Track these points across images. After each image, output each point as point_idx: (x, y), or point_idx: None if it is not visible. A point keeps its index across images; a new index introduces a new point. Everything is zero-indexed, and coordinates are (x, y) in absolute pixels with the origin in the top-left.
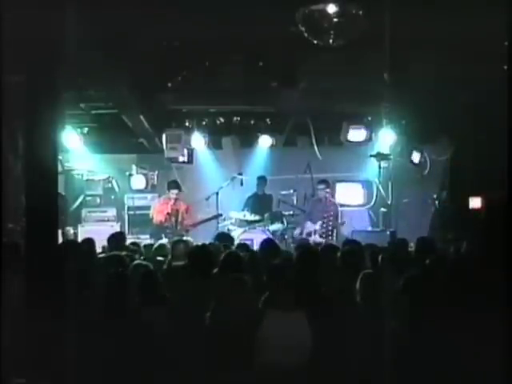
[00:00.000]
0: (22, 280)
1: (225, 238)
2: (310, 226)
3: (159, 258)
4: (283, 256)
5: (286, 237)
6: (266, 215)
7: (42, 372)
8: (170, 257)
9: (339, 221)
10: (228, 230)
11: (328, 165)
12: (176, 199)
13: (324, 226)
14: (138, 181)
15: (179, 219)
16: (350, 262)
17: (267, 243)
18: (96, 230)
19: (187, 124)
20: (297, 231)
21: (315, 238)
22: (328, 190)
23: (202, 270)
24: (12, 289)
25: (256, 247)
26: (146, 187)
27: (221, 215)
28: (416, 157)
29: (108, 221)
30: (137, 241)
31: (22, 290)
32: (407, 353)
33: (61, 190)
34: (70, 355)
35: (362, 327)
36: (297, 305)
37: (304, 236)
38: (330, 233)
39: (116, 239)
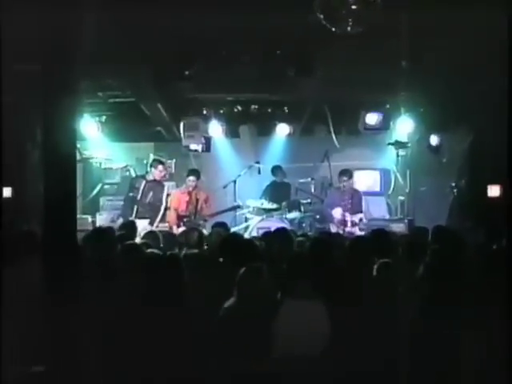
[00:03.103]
0: (41, 268)
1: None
2: (330, 215)
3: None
4: (300, 244)
5: (303, 225)
6: (283, 203)
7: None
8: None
9: (363, 208)
10: (245, 218)
11: (346, 153)
12: (195, 188)
13: (347, 214)
14: None
15: (198, 208)
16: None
17: (283, 232)
18: (113, 217)
19: (205, 112)
20: (315, 219)
21: (337, 227)
22: (351, 181)
23: (228, 259)
24: (32, 276)
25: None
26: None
27: (239, 207)
28: (434, 144)
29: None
30: (154, 229)
31: (41, 276)
32: (425, 343)
33: (79, 178)
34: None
35: (380, 318)
36: (314, 294)
37: (323, 225)
38: (353, 221)
39: (126, 229)
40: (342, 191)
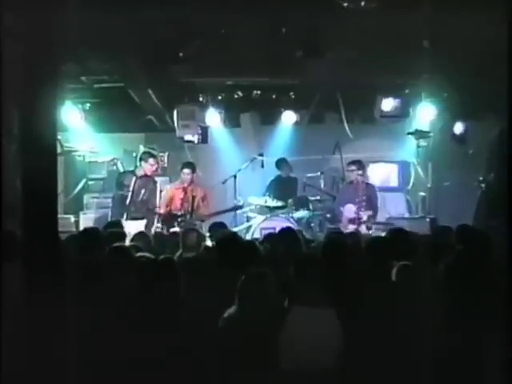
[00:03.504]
0: (18, 274)
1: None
2: (342, 213)
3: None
4: (309, 247)
5: (312, 225)
6: (289, 201)
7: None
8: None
9: (378, 205)
10: (247, 217)
11: (360, 144)
12: (191, 183)
13: (360, 211)
14: None
15: (194, 207)
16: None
17: (289, 232)
18: (99, 217)
19: (201, 99)
20: (325, 218)
21: (349, 226)
22: (360, 172)
23: (226, 263)
24: (9, 284)
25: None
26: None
27: (241, 207)
28: (459, 134)
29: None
30: (144, 230)
31: (18, 284)
32: (452, 353)
33: (60, 173)
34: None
35: (397, 326)
36: (324, 301)
37: (334, 225)
38: (368, 219)
39: (112, 230)
40: (354, 186)
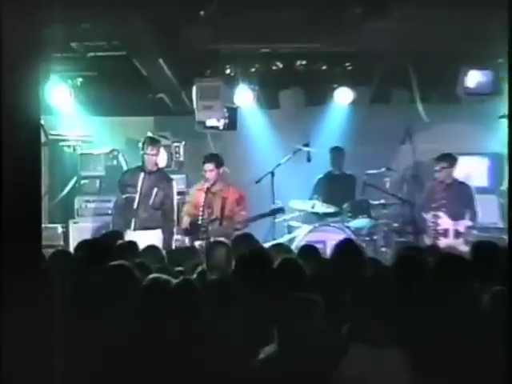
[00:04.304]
0: None
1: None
2: (426, 222)
3: (179, 269)
4: (371, 267)
5: (375, 237)
6: (345, 206)
7: None
8: (203, 266)
9: (478, 211)
10: (288, 227)
11: (437, 130)
12: (216, 181)
13: (454, 220)
14: None
15: (226, 212)
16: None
17: (346, 247)
18: (95, 227)
19: (228, 72)
20: (392, 229)
21: (440, 240)
22: (452, 169)
23: (257, 287)
24: None
25: (329, 253)
26: (168, 165)
27: (282, 209)
28: None
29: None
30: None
31: None
32: None
33: (44, 169)
34: None
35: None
36: (392, 339)
37: (405, 237)
38: (465, 231)
39: (110, 243)
40: (444, 187)
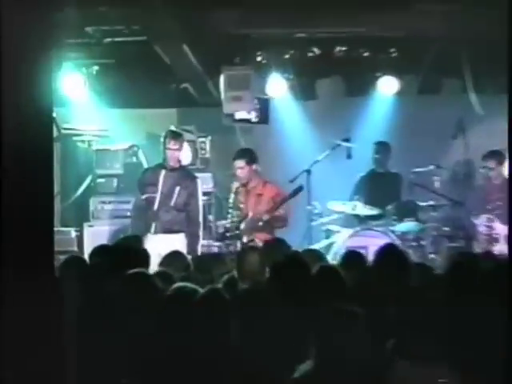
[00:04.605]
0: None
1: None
2: (474, 226)
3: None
4: (418, 275)
5: (423, 243)
6: (389, 207)
7: None
8: (231, 274)
9: None
10: (327, 231)
11: (492, 124)
12: (251, 178)
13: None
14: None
15: (260, 212)
16: None
17: (388, 253)
18: (112, 231)
19: (259, 59)
20: (442, 234)
21: (483, 244)
22: (501, 168)
23: (292, 298)
24: None
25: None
26: (192, 162)
27: (302, 188)
28: None
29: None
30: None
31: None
32: None
33: (56, 167)
34: None
35: None
36: (442, 355)
37: (457, 242)
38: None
39: (127, 249)
40: (493, 188)
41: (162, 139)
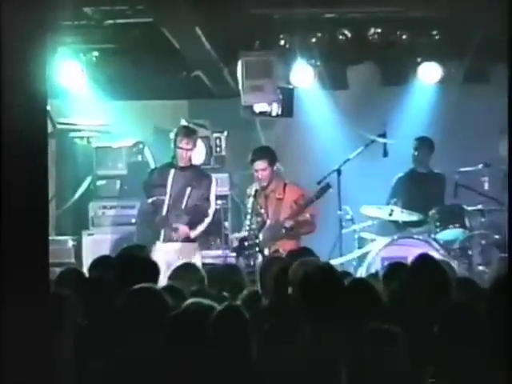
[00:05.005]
0: None
1: None
2: None
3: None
4: (463, 290)
5: (470, 253)
6: (432, 212)
7: None
8: (251, 289)
9: None
10: (359, 239)
11: None
12: (271, 179)
13: None
14: None
15: (281, 218)
16: None
17: (423, 265)
18: (114, 240)
19: (282, 43)
20: (492, 242)
21: None
22: None
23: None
24: None
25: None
26: (206, 161)
27: (329, 186)
28: None
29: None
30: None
31: None
32: None
33: (51, 166)
34: None
35: None
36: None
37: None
38: None
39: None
40: None
41: (171, 136)
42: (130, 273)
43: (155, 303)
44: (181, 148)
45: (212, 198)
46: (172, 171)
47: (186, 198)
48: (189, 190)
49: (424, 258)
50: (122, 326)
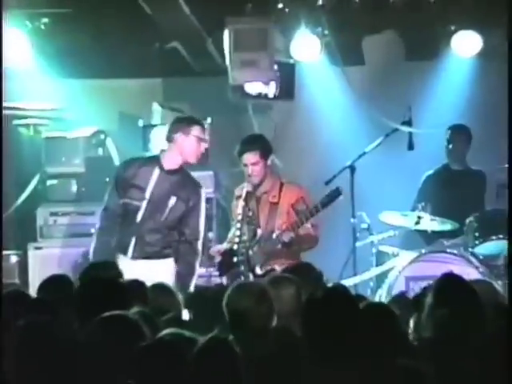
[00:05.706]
0: None
1: None
2: None
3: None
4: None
5: None
6: (468, 220)
7: None
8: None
9: None
10: (378, 254)
11: None
12: (262, 181)
13: None
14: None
15: (276, 226)
16: None
17: (448, 287)
18: (68, 255)
19: (281, 6)
20: None
21: None
22: None
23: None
24: None
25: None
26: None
27: (339, 191)
28: None
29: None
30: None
31: None
32: None
33: None
34: None
35: None
36: None
37: None
38: None
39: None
40: None
41: (170, 124)
42: (98, 298)
43: (130, 336)
44: (197, 139)
45: (201, 211)
46: (156, 171)
47: (168, 208)
48: (173, 199)
49: (448, 279)
50: (83, 365)
